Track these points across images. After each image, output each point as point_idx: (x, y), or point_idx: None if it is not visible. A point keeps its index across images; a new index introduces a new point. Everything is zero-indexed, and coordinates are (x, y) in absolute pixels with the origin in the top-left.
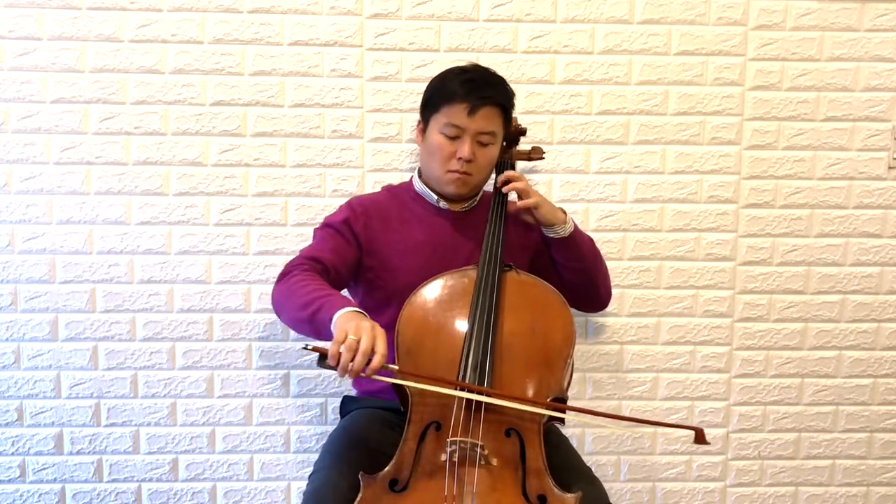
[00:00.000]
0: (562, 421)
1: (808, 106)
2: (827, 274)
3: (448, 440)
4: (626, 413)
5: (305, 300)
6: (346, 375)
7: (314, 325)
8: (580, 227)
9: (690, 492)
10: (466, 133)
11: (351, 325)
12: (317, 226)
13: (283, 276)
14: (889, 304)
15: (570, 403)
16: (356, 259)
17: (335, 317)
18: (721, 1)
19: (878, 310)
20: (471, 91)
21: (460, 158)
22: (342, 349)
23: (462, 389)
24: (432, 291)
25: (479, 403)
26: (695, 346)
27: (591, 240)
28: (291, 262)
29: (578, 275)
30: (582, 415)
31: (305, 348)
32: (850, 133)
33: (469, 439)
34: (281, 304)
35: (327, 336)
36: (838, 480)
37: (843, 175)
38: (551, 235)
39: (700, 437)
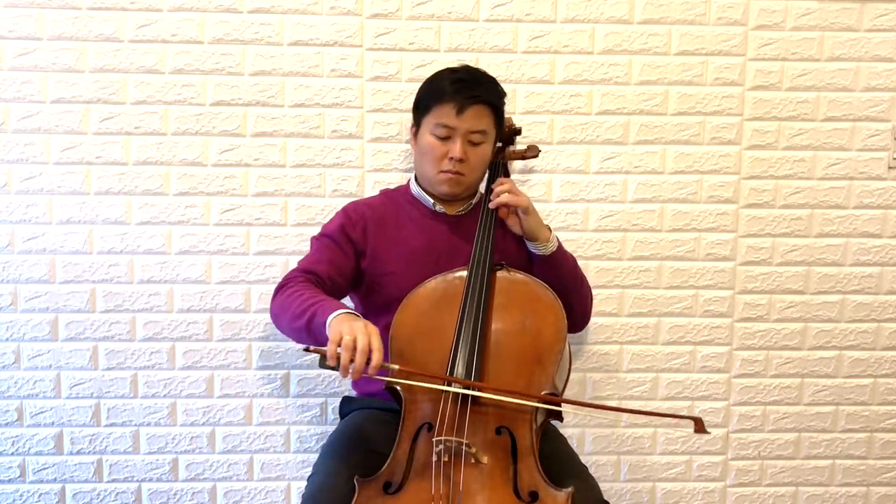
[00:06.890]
0: (560, 418)
1: (808, 106)
2: (827, 274)
3: (434, 439)
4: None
5: (300, 309)
6: (349, 376)
7: (311, 332)
8: (580, 227)
9: (690, 492)
10: (457, 133)
11: (345, 326)
12: (316, 231)
13: (280, 288)
14: (889, 304)
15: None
16: (353, 267)
17: (329, 320)
18: (721, 1)
19: (878, 310)
20: (459, 90)
21: (452, 158)
22: (340, 350)
23: (451, 385)
24: (424, 295)
25: (465, 400)
26: (695, 346)
27: (575, 263)
28: (287, 274)
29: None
30: (581, 409)
31: (307, 350)
32: (850, 133)
33: (454, 438)
34: (278, 316)
35: (325, 341)
36: (838, 480)
37: (843, 175)
38: (532, 250)
39: (700, 427)
